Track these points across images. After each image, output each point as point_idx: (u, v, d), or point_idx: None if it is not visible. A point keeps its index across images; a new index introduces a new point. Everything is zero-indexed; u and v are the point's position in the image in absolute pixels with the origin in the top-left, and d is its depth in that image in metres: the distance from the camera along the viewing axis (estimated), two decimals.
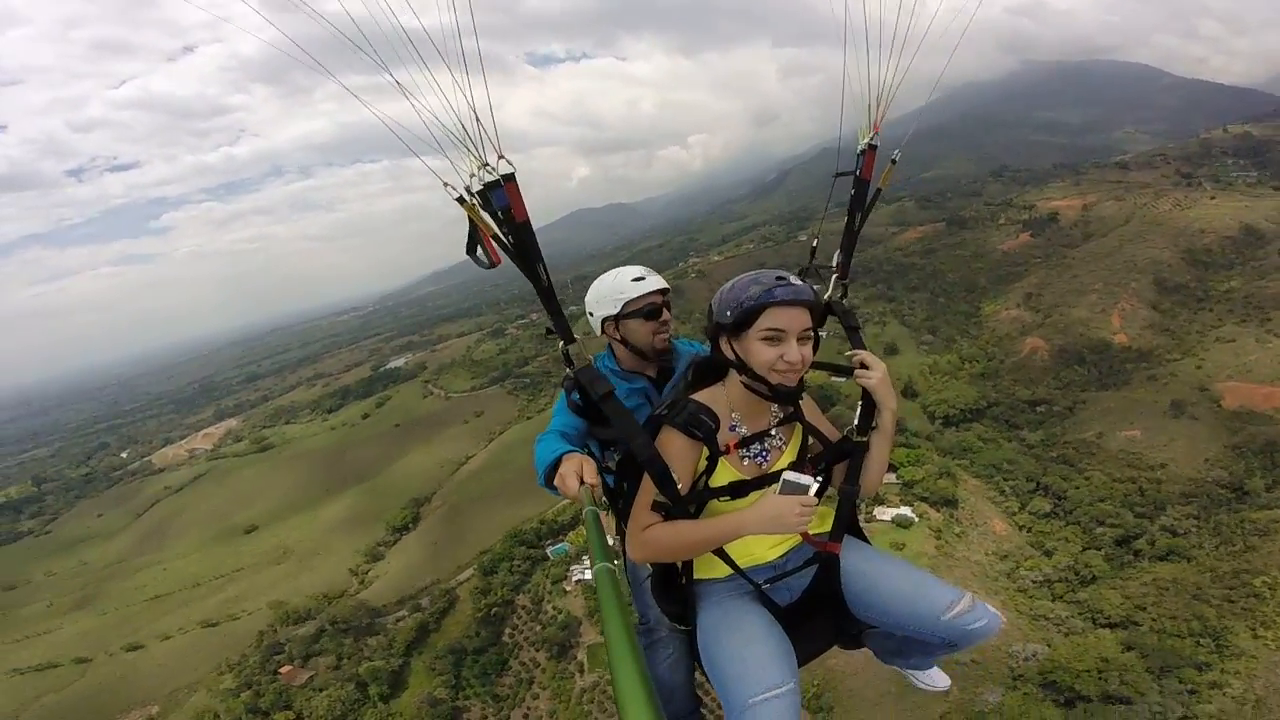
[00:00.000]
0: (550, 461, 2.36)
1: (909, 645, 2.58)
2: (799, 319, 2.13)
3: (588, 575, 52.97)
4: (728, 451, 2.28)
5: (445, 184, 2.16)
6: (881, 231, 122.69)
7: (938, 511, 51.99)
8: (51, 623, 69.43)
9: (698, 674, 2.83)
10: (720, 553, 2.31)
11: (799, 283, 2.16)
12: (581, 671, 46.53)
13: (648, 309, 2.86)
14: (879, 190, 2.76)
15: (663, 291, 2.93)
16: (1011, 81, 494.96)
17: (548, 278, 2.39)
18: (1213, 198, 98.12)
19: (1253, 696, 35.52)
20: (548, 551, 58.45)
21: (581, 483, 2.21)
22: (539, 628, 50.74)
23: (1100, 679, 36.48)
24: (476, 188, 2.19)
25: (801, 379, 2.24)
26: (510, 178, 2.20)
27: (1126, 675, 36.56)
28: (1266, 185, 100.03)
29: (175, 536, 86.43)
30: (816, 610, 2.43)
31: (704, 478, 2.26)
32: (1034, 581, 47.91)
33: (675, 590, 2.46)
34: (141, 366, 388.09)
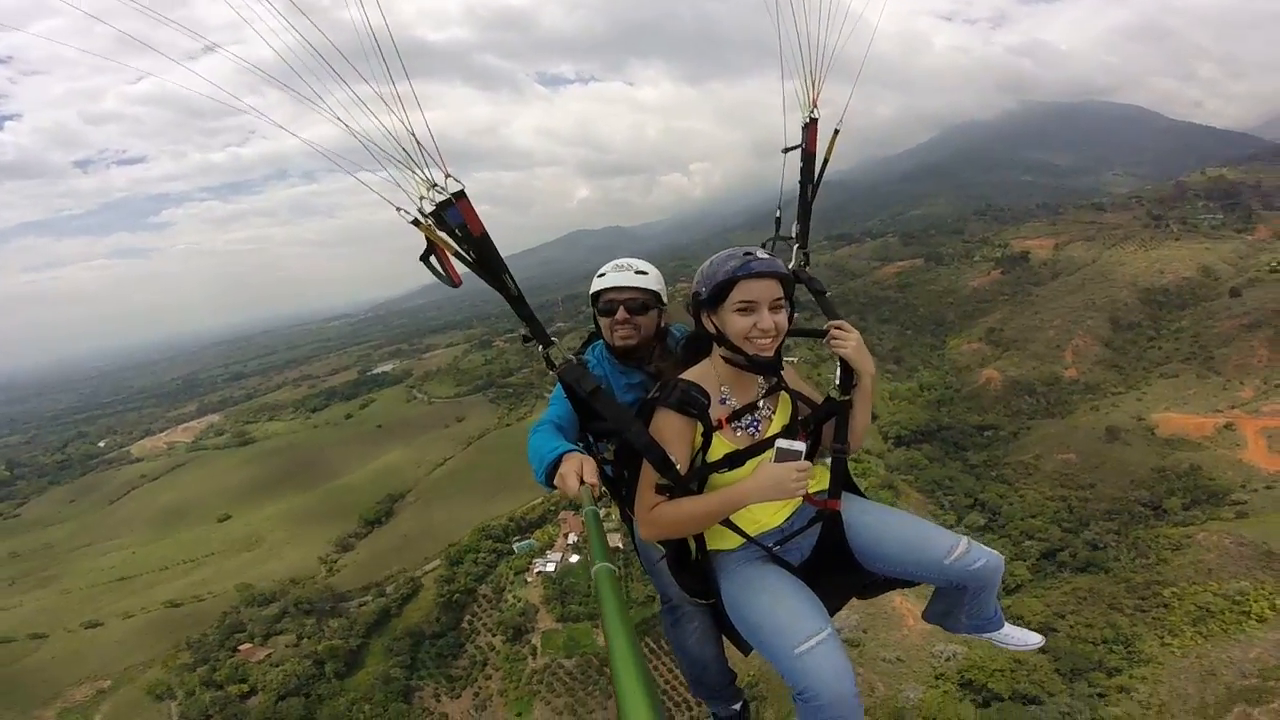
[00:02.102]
0: (550, 461, 2.37)
1: (947, 601, 2.73)
2: (769, 289, 2.25)
3: (550, 568, 56.75)
4: (721, 426, 2.36)
5: (398, 208, 2.18)
6: (864, 265, 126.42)
7: None
8: (11, 600, 69.53)
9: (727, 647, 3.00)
10: (729, 523, 2.39)
11: (766, 255, 2.29)
12: (534, 655, 48.90)
13: (604, 306, 2.93)
14: (825, 160, 2.96)
15: (625, 290, 2.92)
16: (1007, 121, 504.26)
17: (516, 286, 2.42)
18: (1177, 239, 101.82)
19: (1157, 701, 37.36)
20: (514, 546, 60.78)
21: (582, 482, 2.22)
22: (497, 614, 52.92)
23: (1011, 678, 38.55)
24: (429, 209, 2.21)
25: (779, 349, 2.36)
26: (461, 194, 2.21)
27: (1035, 675, 38.87)
28: (1230, 228, 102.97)
29: (147, 523, 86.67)
30: (828, 565, 2.51)
31: (701, 454, 2.34)
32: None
33: (691, 566, 2.55)
34: (126, 360, 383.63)
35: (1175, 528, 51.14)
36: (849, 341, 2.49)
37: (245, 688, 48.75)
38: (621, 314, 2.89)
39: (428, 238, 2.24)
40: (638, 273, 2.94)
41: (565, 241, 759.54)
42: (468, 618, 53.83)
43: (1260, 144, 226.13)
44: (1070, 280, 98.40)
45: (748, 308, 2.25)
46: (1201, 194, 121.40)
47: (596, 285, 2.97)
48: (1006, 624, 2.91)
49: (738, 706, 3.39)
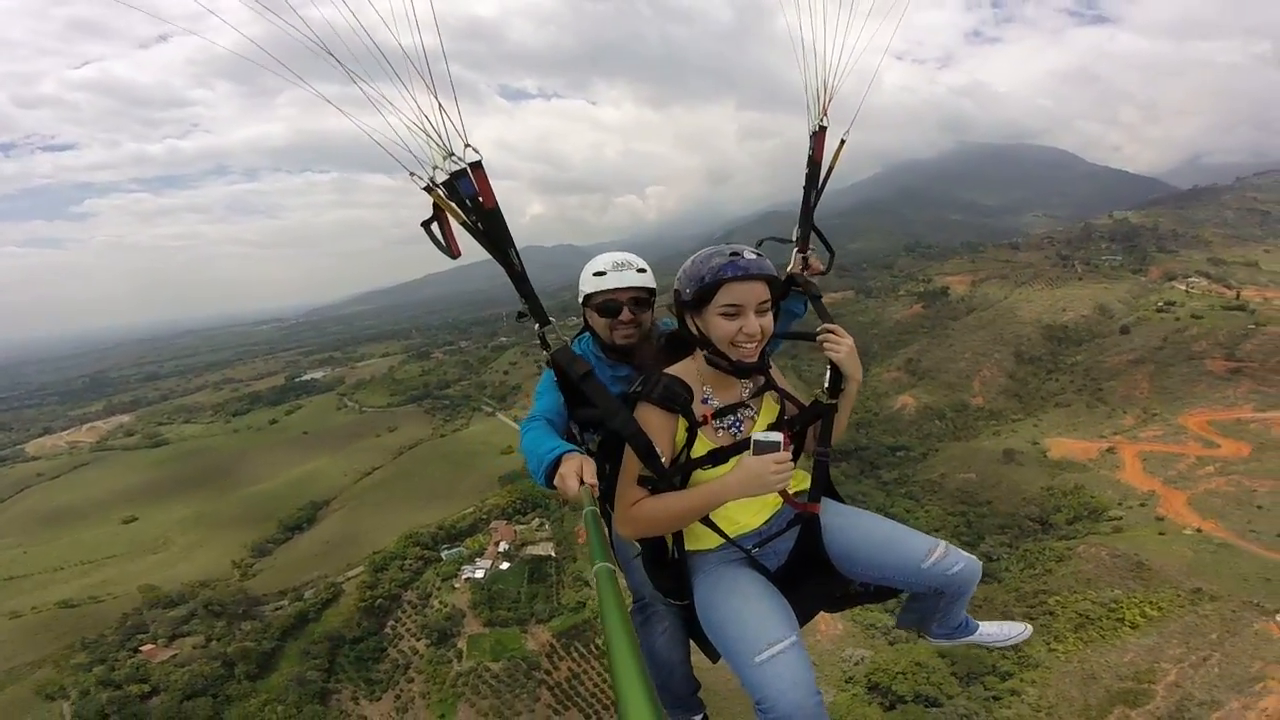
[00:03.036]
0: (549, 462, 2.30)
1: (922, 607, 2.75)
2: (755, 292, 2.19)
3: (479, 574, 57.45)
4: (704, 423, 2.33)
5: (411, 174, 2.19)
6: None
7: None
8: None
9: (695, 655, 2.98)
10: (709, 523, 2.36)
11: (753, 257, 2.23)
12: (460, 658, 48.92)
13: (604, 305, 2.84)
14: (831, 167, 2.94)
15: (629, 289, 2.84)
16: (946, 161, 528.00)
17: (520, 262, 2.42)
18: (1080, 279, 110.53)
19: (1045, 703, 39.17)
20: (442, 554, 60.38)
21: (581, 483, 2.14)
22: (422, 619, 52.60)
23: (913, 681, 40.73)
24: (442, 178, 2.22)
25: (764, 353, 2.34)
26: (478, 165, 2.23)
27: (934, 678, 41.06)
28: (1127, 269, 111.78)
29: (41, 522, 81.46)
30: (804, 573, 2.49)
31: (685, 450, 2.31)
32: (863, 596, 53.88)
33: (668, 564, 2.51)
34: (25, 354, 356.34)
35: (1059, 541, 55.27)
36: (842, 347, 2.45)
37: (146, 688, 46.27)
38: (626, 314, 2.84)
39: (437, 206, 2.27)
40: (639, 271, 2.89)
41: None
42: (391, 623, 53.37)
43: (1165, 189, 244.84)
44: (983, 315, 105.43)
45: (733, 311, 2.20)
46: (1106, 236, 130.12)
47: (596, 284, 2.85)
48: (982, 624, 2.95)
49: (698, 718, 3.29)
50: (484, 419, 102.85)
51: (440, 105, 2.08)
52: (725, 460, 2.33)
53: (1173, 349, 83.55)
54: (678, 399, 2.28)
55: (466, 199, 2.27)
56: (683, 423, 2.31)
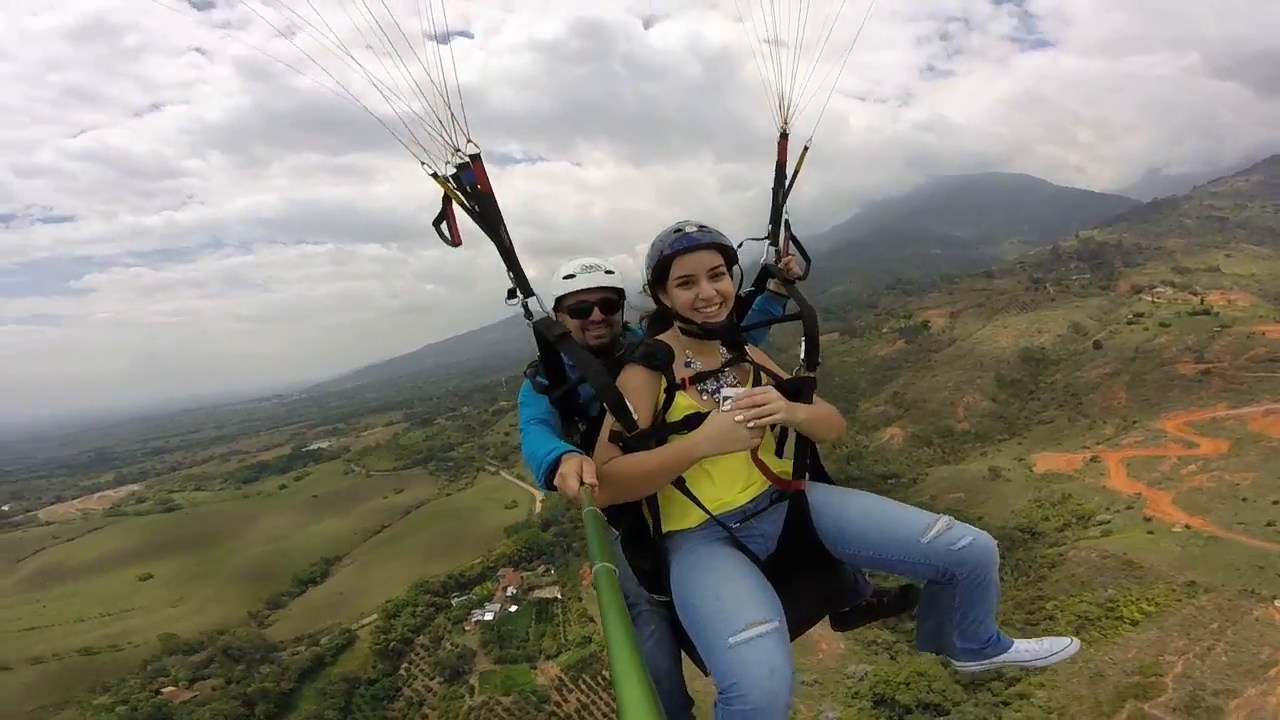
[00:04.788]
0: (549, 463, 2.32)
1: (937, 612, 2.52)
2: (705, 260, 2.34)
3: (488, 616, 60.33)
4: (685, 386, 2.38)
5: (423, 163, 2.45)
6: (790, 340, 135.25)
7: None
8: None
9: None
10: (687, 493, 2.32)
11: (695, 229, 2.37)
12: (471, 693, 50.62)
13: (575, 307, 2.91)
14: (797, 170, 3.17)
15: (598, 290, 2.92)
16: (918, 196, 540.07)
17: (509, 239, 2.61)
18: (1053, 299, 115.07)
19: (1056, 705, 39.30)
20: (452, 601, 62.84)
21: (581, 483, 2.12)
22: (434, 658, 54.38)
23: (914, 689, 41.41)
24: (449, 171, 2.51)
25: (731, 315, 2.47)
26: (477, 157, 2.49)
27: (936, 685, 41.62)
28: (1095, 286, 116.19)
29: (60, 579, 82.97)
30: (797, 563, 2.38)
31: (663, 413, 2.33)
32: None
33: (646, 544, 2.43)
34: (26, 433, 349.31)
35: (1050, 548, 56.89)
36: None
37: None
38: (596, 314, 2.91)
39: (444, 194, 2.55)
40: (606, 272, 2.96)
41: (509, 322, 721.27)
42: (405, 665, 55.02)
43: (1129, 204, 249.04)
44: (963, 345, 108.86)
45: (686, 281, 2.35)
46: (1074, 256, 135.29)
47: (566, 287, 2.91)
48: (1017, 640, 2.62)
49: None
50: (488, 478, 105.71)
51: (450, 106, 2.37)
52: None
53: (1145, 358, 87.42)
54: (659, 356, 2.35)
55: (468, 186, 2.52)
56: (663, 382, 2.36)
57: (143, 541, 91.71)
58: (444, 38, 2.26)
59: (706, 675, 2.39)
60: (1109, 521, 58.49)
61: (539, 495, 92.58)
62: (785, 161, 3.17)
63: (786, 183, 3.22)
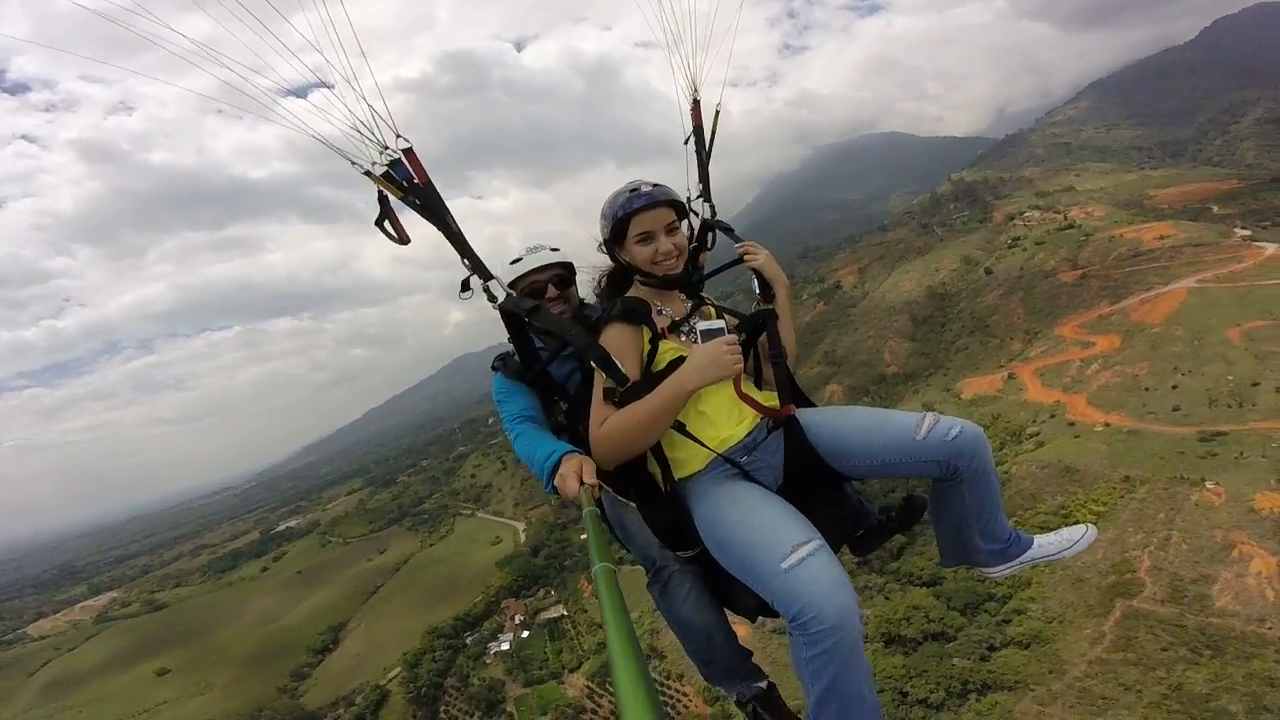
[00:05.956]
0: (550, 466, 2.34)
1: (953, 518, 2.54)
2: (661, 217, 2.48)
3: (505, 647, 64.10)
4: (664, 334, 2.49)
5: (353, 162, 2.41)
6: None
7: None
8: None
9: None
10: (689, 435, 2.38)
11: (650, 187, 2.50)
12: (512, 719, 53.45)
13: (528, 289, 2.94)
14: (713, 132, 3.23)
15: (548, 268, 3.00)
16: (807, 168, 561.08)
17: (456, 225, 2.60)
18: (942, 240, 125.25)
19: (1053, 613, 41.25)
20: (466, 640, 65.42)
21: (582, 483, 2.17)
22: (468, 693, 56.96)
23: (914, 623, 43.16)
24: (380, 170, 2.45)
25: (689, 264, 2.65)
26: (409, 151, 2.47)
27: (933, 613, 43.63)
28: (974, 221, 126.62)
29: (80, 685, 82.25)
30: (807, 489, 2.42)
31: (648, 364, 2.41)
32: (855, 563, 59.03)
33: (662, 501, 2.46)
34: None
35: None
36: (760, 255, 2.79)
37: None
38: (552, 291, 2.97)
39: (381, 198, 2.51)
40: (552, 249, 3.03)
41: (450, 370, 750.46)
42: (442, 708, 57.42)
43: (987, 143, 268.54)
44: (875, 295, 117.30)
45: (645, 237, 2.48)
46: (951, 198, 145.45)
47: (516, 271, 2.96)
48: (1037, 536, 2.71)
49: (763, 685, 2.86)
50: (465, 520, 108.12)
51: (369, 104, 2.37)
52: None
53: (1030, 275, 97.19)
54: (638, 311, 2.46)
55: (404, 181, 2.49)
56: (646, 335, 2.46)
57: (143, 640, 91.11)
58: (349, 45, 2.21)
59: (754, 621, 2.62)
60: (1038, 433, 62.34)
61: (520, 526, 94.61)
62: (701, 125, 3.27)
63: (709, 144, 3.27)
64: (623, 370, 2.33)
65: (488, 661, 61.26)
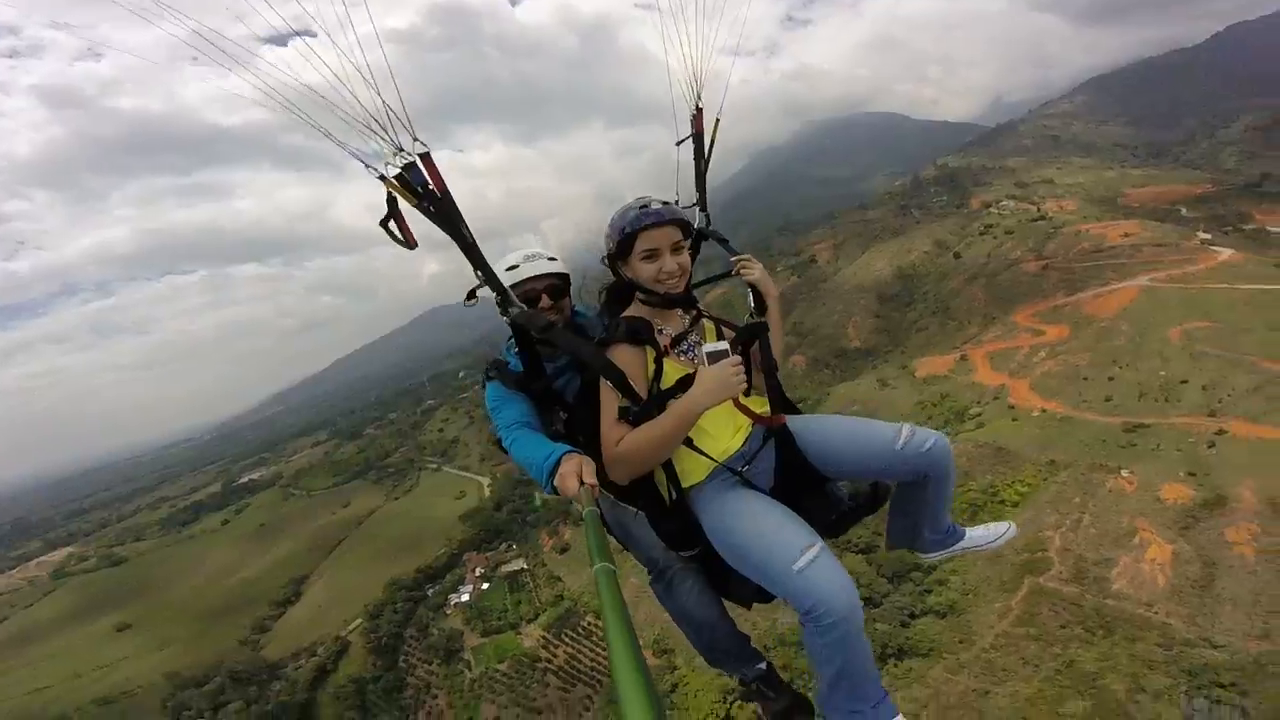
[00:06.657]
0: (549, 467, 2.38)
1: (908, 512, 2.84)
2: (668, 235, 2.53)
3: (464, 598, 66.42)
4: (667, 352, 2.56)
5: (367, 165, 2.37)
6: (698, 294, 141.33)
7: None
8: None
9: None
10: (695, 448, 2.49)
11: (659, 205, 2.56)
12: (469, 667, 55.66)
13: (523, 297, 2.90)
14: (713, 139, 3.28)
15: (543, 277, 2.97)
16: (797, 142, 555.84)
17: (471, 236, 2.57)
18: (918, 222, 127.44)
19: (970, 586, 43.43)
20: (427, 592, 67.31)
21: (581, 484, 2.23)
22: (427, 643, 59.08)
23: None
24: (393, 172, 2.38)
25: (689, 285, 2.72)
26: (426, 156, 2.39)
27: (863, 580, 44.18)
28: (951, 206, 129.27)
29: (38, 641, 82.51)
30: (797, 490, 2.58)
31: (655, 382, 2.49)
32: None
33: (669, 510, 2.57)
34: None
35: None
36: (755, 269, 2.89)
37: None
38: (546, 301, 2.96)
39: (390, 200, 2.41)
40: (549, 259, 3.00)
41: (422, 322, 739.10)
42: (401, 657, 59.38)
43: (979, 131, 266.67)
44: (847, 272, 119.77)
45: (651, 254, 2.52)
46: (933, 183, 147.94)
47: (511, 278, 2.89)
48: (969, 529, 3.05)
49: (763, 666, 3.24)
50: (431, 475, 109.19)
51: (387, 105, 2.27)
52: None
53: (996, 261, 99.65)
54: (643, 332, 2.51)
55: (418, 187, 2.42)
56: (650, 354, 2.53)
57: (103, 595, 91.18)
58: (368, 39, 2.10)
59: (749, 608, 2.94)
60: (980, 414, 64.92)
61: (485, 481, 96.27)
62: (703, 132, 3.27)
63: (707, 152, 3.30)
64: (634, 388, 2.45)
65: (448, 612, 63.33)
